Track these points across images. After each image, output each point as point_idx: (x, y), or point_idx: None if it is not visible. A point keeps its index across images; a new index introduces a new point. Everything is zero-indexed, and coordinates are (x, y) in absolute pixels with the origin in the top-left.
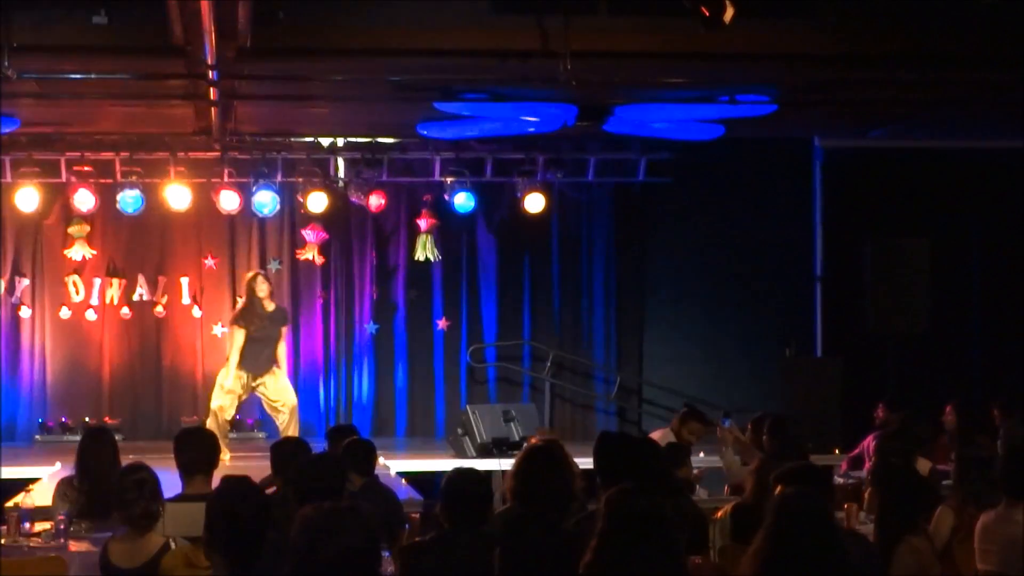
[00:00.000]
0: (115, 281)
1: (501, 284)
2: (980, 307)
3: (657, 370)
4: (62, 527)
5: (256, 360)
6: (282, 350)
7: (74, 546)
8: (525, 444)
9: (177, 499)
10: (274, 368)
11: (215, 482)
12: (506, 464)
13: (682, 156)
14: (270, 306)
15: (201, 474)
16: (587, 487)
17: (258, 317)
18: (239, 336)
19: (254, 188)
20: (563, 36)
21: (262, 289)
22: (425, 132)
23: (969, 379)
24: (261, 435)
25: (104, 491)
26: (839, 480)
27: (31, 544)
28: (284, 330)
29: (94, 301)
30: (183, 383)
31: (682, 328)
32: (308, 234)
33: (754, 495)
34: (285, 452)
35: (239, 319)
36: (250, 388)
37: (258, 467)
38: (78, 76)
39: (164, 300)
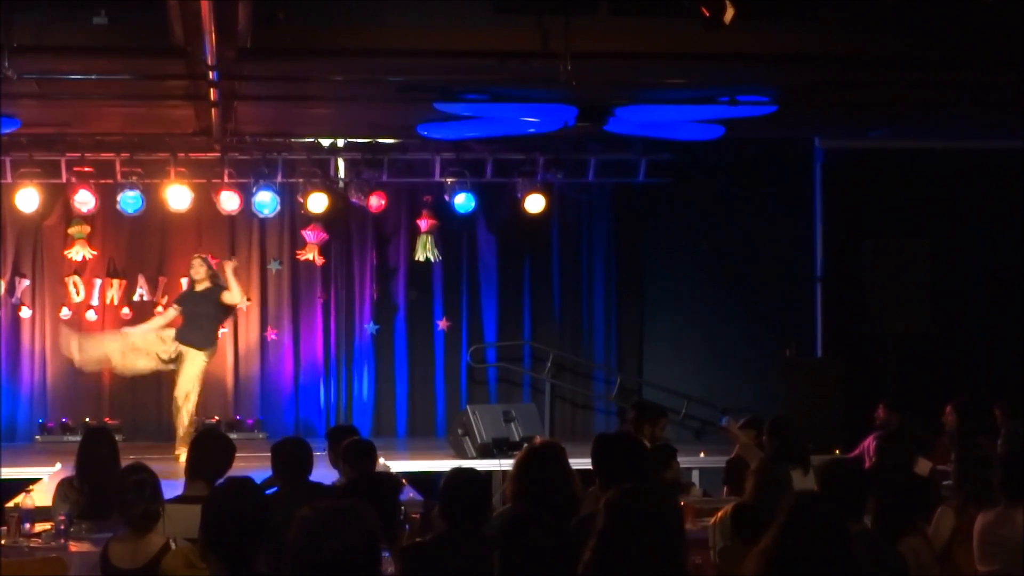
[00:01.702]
0: (115, 282)
1: (501, 285)
2: (980, 307)
3: (657, 370)
4: (62, 528)
5: (186, 331)
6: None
7: (74, 547)
8: (526, 445)
9: (175, 500)
10: (191, 352)
11: None
12: (506, 464)
13: (682, 157)
14: (203, 286)
15: (203, 479)
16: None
17: (189, 296)
18: (171, 311)
19: (254, 189)
20: (564, 37)
21: (196, 273)
22: (425, 133)
23: (969, 379)
24: (261, 435)
25: (104, 492)
26: None
27: (31, 545)
28: (224, 308)
29: (94, 302)
30: None
31: (682, 328)
32: (308, 235)
33: (754, 495)
34: (286, 453)
35: (178, 299)
36: (172, 359)
37: (258, 467)
38: (78, 77)
39: (164, 300)
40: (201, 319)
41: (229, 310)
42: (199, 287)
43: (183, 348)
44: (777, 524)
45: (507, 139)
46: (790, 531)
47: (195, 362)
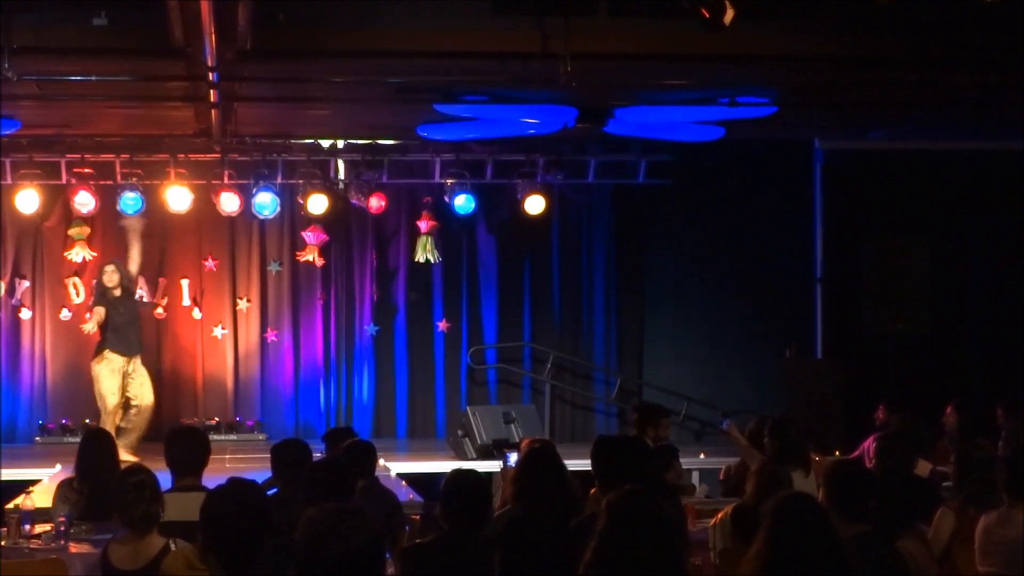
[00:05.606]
0: None
1: (501, 286)
2: (980, 307)
3: (657, 371)
4: (62, 529)
5: (125, 341)
6: None
7: (74, 548)
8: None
9: (169, 491)
10: (135, 361)
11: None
12: None
13: (682, 158)
14: (116, 293)
15: (191, 475)
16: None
17: (110, 303)
18: (100, 311)
19: (254, 190)
20: (563, 38)
21: (110, 280)
22: (425, 134)
23: (969, 380)
24: (262, 436)
25: (104, 493)
26: None
27: (31, 546)
28: (138, 312)
29: None
30: (183, 385)
31: (682, 329)
32: (308, 236)
33: (754, 496)
34: (286, 454)
35: (97, 299)
36: (126, 372)
37: (258, 468)
38: (78, 78)
39: (164, 302)
40: (128, 325)
41: (140, 314)
42: (113, 294)
43: (128, 360)
44: (764, 527)
45: (507, 140)
46: (777, 533)
47: (142, 368)
